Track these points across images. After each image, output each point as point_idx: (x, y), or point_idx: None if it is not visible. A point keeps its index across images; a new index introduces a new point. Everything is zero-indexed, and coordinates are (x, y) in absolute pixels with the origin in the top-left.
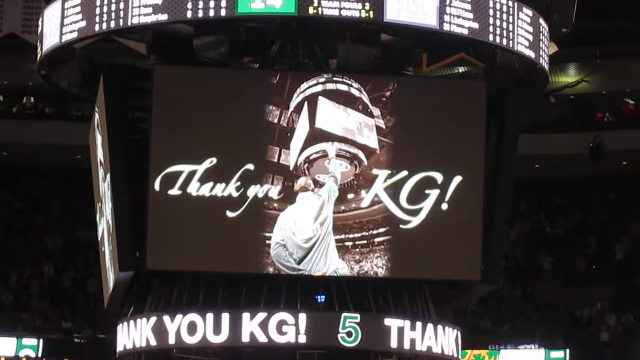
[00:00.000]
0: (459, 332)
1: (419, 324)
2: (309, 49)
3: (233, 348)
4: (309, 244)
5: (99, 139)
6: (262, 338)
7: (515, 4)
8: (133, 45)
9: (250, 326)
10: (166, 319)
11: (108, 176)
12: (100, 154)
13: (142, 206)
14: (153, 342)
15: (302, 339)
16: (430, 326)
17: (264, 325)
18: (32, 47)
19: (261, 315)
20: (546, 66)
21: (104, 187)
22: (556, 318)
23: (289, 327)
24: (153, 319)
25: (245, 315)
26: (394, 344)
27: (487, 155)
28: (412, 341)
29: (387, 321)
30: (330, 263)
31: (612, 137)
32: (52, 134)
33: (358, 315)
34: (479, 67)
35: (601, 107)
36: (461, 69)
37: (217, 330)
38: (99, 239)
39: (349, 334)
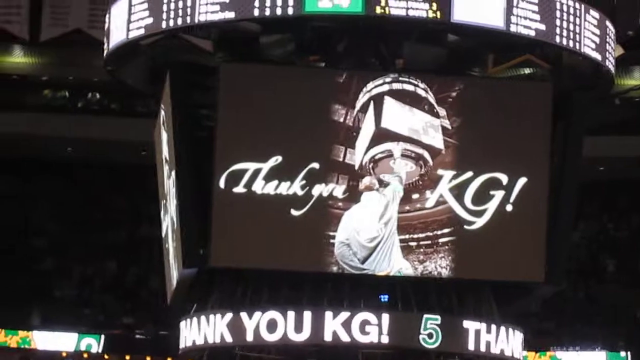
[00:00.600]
0: (522, 335)
1: (493, 327)
2: (375, 49)
3: (298, 346)
4: (373, 244)
5: (164, 135)
6: (345, 337)
7: (582, 5)
8: (199, 42)
9: (333, 325)
10: (244, 315)
11: (173, 173)
12: (165, 151)
13: (206, 203)
14: (229, 339)
15: (385, 339)
16: (502, 329)
17: (347, 325)
18: (98, 42)
19: (344, 315)
20: (612, 68)
21: (169, 184)
22: (618, 320)
23: (372, 327)
24: (229, 316)
25: (328, 314)
26: (471, 346)
27: (552, 157)
28: (488, 344)
29: (466, 323)
30: (394, 263)
31: None
32: (117, 130)
33: (439, 317)
34: (544, 68)
35: None
36: (527, 71)
37: (298, 328)
38: (163, 235)
39: (430, 336)
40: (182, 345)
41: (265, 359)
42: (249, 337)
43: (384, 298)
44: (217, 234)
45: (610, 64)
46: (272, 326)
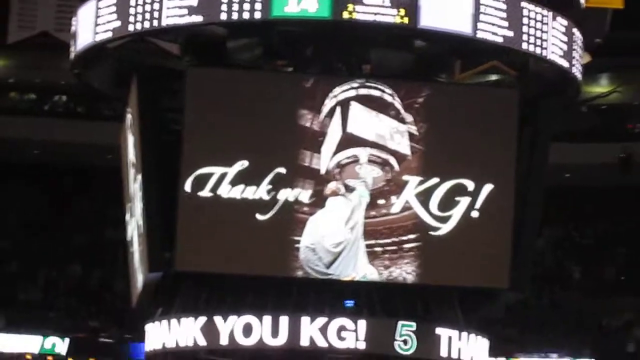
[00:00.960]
0: (487, 341)
1: (464, 334)
2: (342, 54)
3: (265, 351)
4: (338, 249)
5: (130, 139)
6: (321, 343)
7: (550, 13)
8: (166, 46)
9: (310, 330)
10: (218, 319)
11: (139, 177)
12: (131, 154)
13: (172, 207)
14: (202, 342)
15: (361, 345)
16: (472, 336)
17: (323, 330)
18: (65, 45)
19: (321, 320)
20: (579, 76)
21: (135, 188)
22: (583, 327)
23: (349, 333)
24: (203, 319)
25: (305, 320)
26: (444, 353)
27: (518, 164)
28: (459, 350)
29: (439, 330)
30: (359, 268)
31: None
32: (83, 133)
33: (414, 324)
34: (511, 75)
35: (632, 118)
36: (494, 77)
37: (275, 333)
38: (129, 239)
39: (405, 342)
40: (148, 348)
41: None
42: (224, 341)
43: (349, 303)
44: (183, 238)
45: (577, 71)
46: (247, 330)
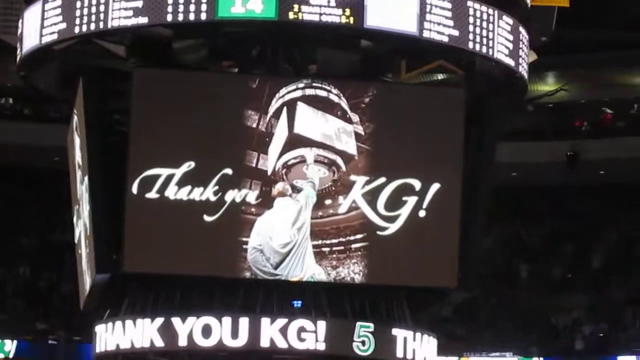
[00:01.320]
0: (436, 340)
1: (418, 335)
2: (288, 54)
3: (216, 352)
4: (285, 249)
5: (77, 141)
6: (282, 344)
7: (496, 12)
8: (112, 47)
9: (270, 331)
10: (176, 320)
11: (86, 178)
12: (78, 156)
13: (119, 209)
14: (159, 343)
15: (321, 346)
16: (425, 336)
17: (283, 331)
18: (11, 48)
19: (281, 321)
20: (525, 74)
21: (82, 190)
22: (531, 326)
23: (308, 334)
24: (160, 320)
25: (265, 320)
26: (400, 353)
27: (465, 163)
28: (414, 351)
29: (395, 331)
30: (307, 269)
31: (589, 146)
32: (29, 135)
33: (372, 325)
34: (457, 74)
35: (579, 116)
36: (440, 77)
37: (234, 334)
38: (76, 241)
39: (363, 343)
40: (99, 349)
41: None
42: (182, 342)
43: (297, 304)
44: (130, 240)
45: (523, 70)
46: (207, 331)
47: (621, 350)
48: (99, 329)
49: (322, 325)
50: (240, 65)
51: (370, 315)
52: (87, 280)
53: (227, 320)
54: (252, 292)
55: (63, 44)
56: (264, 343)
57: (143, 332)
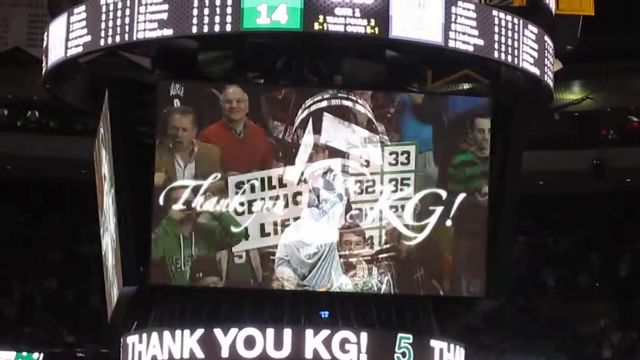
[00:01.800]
0: (464, 350)
1: (452, 346)
2: (313, 65)
3: None
4: (312, 260)
5: (103, 153)
6: (325, 355)
7: (521, 21)
8: (138, 59)
9: (314, 343)
10: (218, 332)
11: (112, 190)
12: (104, 169)
13: (145, 221)
14: (200, 355)
15: (363, 358)
16: (457, 347)
17: (327, 343)
18: (37, 60)
19: (325, 333)
20: (551, 83)
21: (108, 202)
22: (558, 335)
23: (352, 346)
24: (200, 332)
25: (309, 332)
26: None
27: (491, 172)
28: None
29: (433, 342)
30: (334, 279)
31: (615, 155)
32: (56, 147)
33: (411, 336)
34: (483, 83)
35: (605, 124)
36: (466, 86)
37: (278, 345)
38: (103, 253)
39: (404, 354)
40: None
41: None
42: (224, 354)
43: (324, 314)
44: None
45: (549, 79)
46: (250, 343)
47: None
48: (131, 339)
49: (364, 336)
50: (266, 76)
51: (398, 326)
52: (114, 293)
53: (270, 332)
54: (278, 303)
55: (88, 57)
56: (308, 354)
57: (182, 343)
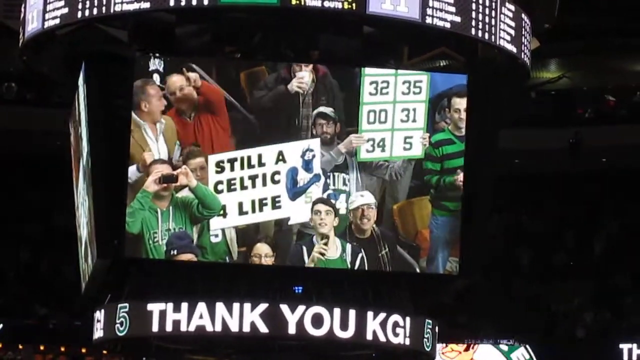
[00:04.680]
0: (429, 323)
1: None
2: (290, 40)
3: (217, 338)
4: (289, 237)
5: (78, 125)
6: (382, 337)
7: None
8: (115, 32)
9: (373, 325)
10: (284, 308)
11: (87, 163)
12: (80, 141)
13: (120, 194)
14: (264, 330)
15: (407, 342)
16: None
17: (383, 325)
18: (14, 32)
19: (382, 315)
20: (528, 61)
21: (83, 174)
22: (533, 313)
23: (400, 329)
24: (263, 306)
25: (370, 314)
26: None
27: (467, 150)
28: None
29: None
30: (306, 255)
31: (591, 133)
32: (32, 120)
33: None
34: (460, 61)
35: (582, 103)
36: (443, 63)
37: (344, 325)
38: (77, 226)
39: (428, 339)
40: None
41: (185, 350)
42: (291, 330)
43: (298, 290)
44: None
45: (526, 57)
46: (318, 321)
47: (623, 338)
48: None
49: (408, 321)
50: (243, 51)
51: (373, 303)
52: (88, 266)
53: (337, 312)
54: (254, 279)
55: (65, 29)
56: (369, 336)
57: (243, 316)
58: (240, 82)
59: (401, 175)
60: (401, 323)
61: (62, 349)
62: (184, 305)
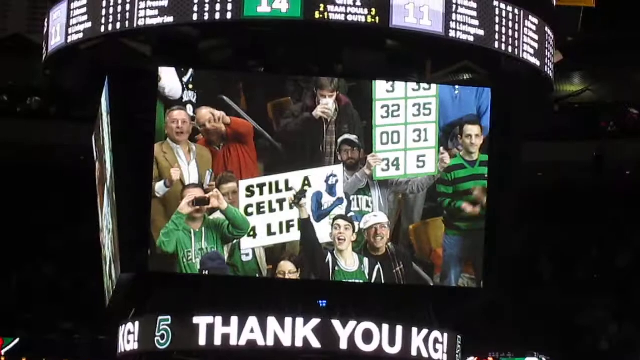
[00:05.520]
0: (459, 339)
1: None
2: (314, 54)
3: (238, 352)
4: (313, 255)
5: (102, 140)
6: (424, 353)
7: (521, 11)
8: (138, 47)
9: (417, 341)
10: (336, 323)
11: (111, 177)
12: (104, 156)
13: (144, 208)
14: (316, 345)
15: (444, 357)
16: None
17: (425, 342)
18: (38, 47)
19: (424, 332)
20: (551, 74)
21: (107, 189)
22: (556, 326)
23: (440, 346)
24: (315, 321)
25: (414, 330)
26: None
27: (490, 163)
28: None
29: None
30: (331, 270)
31: (615, 146)
32: (56, 134)
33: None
34: (483, 74)
35: (605, 116)
36: (466, 76)
37: (392, 342)
38: (102, 240)
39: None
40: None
41: None
42: (343, 345)
43: (322, 303)
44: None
45: (549, 70)
46: (368, 337)
47: None
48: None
49: (446, 337)
50: (266, 64)
51: (396, 316)
52: (112, 280)
53: (385, 328)
54: (276, 292)
55: (88, 43)
56: (414, 352)
57: (296, 331)
58: (267, 112)
59: (422, 189)
60: (440, 339)
61: None
62: (234, 319)
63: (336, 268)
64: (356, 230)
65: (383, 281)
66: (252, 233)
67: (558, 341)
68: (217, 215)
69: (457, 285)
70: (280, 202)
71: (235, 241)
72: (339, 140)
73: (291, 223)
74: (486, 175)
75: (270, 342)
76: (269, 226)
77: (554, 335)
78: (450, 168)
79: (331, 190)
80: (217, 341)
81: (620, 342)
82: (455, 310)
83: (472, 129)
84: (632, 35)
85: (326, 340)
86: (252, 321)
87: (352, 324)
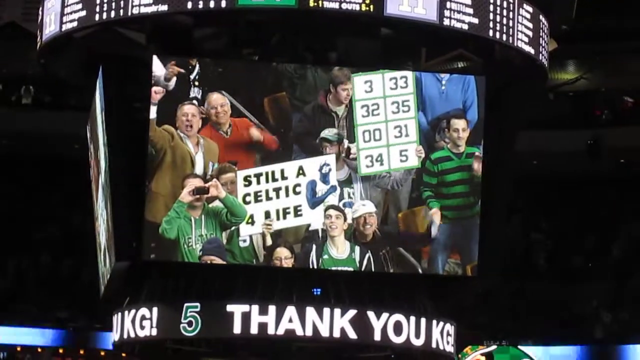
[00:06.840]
0: (454, 327)
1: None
2: (308, 42)
3: (229, 340)
4: (308, 242)
5: (96, 129)
6: (442, 346)
7: (516, 0)
8: (133, 35)
9: (435, 333)
10: (371, 314)
11: (106, 166)
12: (98, 144)
13: (139, 197)
14: (352, 335)
15: (451, 349)
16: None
17: (442, 334)
18: (33, 36)
19: (441, 325)
20: (545, 62)
21: (102, 178)
22: (552, 315)
23: (450, 338)
24: (352, 312)
25: (434, 322)
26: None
27: (485, 152)
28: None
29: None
30: (323, 257)
31: (610, 135)
32: (50, 123)
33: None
34: (477, 62)
35: (600, 104)
36: (460, 64)
37: (417, 334)
38: (96, 228)
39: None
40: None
41: (202, 352)
42: (377, 337)
43: (317, 292)
44: (150, 228)
45: (544, 58)
46: (399, 329)
47: None
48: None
49: (452, 329)
50: (261, 53)
51: (391, 304)
52: (107, 268)
53: (412, 320)
54: (271, 280)
55: (83, 32)
56: (434, 344)
57: (334, 322)
58: (264, 106)
59: (402, 184)
60: (450, 331)
61: (81, 352)
62: (272, 308)
63: (325, 256)
64: (348, 220)
65: (373, 269)
66: (250, 220)
67: (553, 329)
68: (216, 203)
69: (445, 271)
70: (277, 190)
71: (233, 228)
72: (317, 139)
73: (287, 210)
74: (472, 166)
75: (309, 332)
76: (266, 213)
77: (549, 324)
78: (438, 160)
79: (324, 178)
80: (254, 330)
81: (615, 330)
82: (452, 299)
83: (459, 123)
84: (625, 24)
85: (362, 332)
86: (291, 310)
87: (384, 315)
